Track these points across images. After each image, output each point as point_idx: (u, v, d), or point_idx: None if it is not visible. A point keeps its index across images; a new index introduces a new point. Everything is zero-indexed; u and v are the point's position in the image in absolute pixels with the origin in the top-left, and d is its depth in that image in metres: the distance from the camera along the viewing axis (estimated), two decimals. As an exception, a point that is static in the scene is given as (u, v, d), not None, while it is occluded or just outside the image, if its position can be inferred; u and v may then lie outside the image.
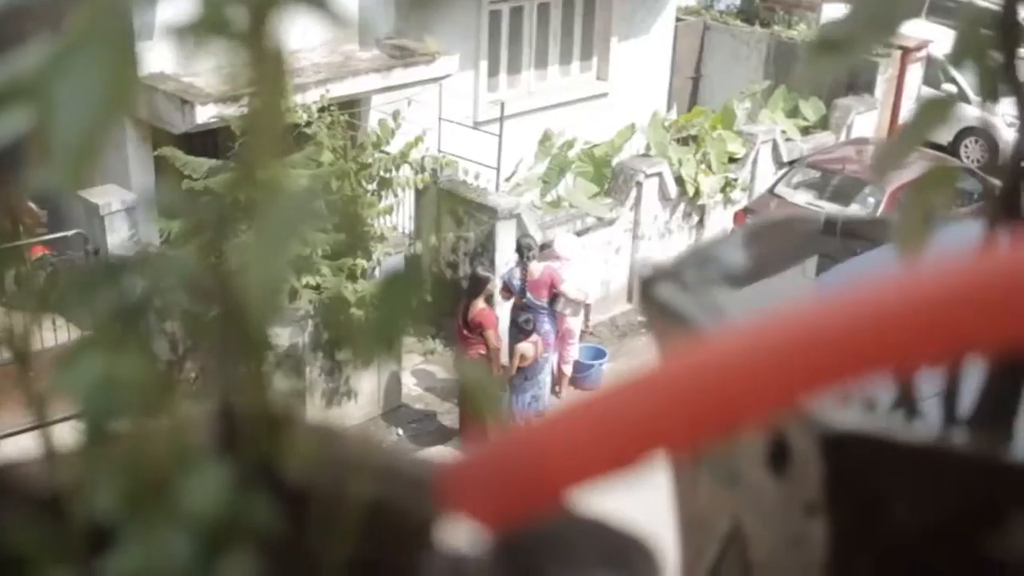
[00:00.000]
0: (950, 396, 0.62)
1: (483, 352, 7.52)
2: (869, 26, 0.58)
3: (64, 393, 0.38)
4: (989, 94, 0.62)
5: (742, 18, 13.66)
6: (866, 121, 11.96)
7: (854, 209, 9.42)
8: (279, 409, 0.38)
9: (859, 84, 12.25)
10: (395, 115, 8.18)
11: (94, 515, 0.31)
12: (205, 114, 7.38)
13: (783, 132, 11.25)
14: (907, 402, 0.62)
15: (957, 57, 0.60)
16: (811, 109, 11.95)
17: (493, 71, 10.42)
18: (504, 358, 7.79)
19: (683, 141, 10.59)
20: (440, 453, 7.12)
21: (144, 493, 0.30)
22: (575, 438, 0.37)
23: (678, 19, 12.34)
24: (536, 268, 8.03)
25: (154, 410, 0.33)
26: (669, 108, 11.98)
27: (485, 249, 8.72)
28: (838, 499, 0.57)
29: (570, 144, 10.36)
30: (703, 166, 10.31)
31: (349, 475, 0.41)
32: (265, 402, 0.37)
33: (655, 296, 0.66)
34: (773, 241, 0.79)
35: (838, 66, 0.60)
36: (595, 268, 9.34)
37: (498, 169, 9.42)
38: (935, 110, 0.60)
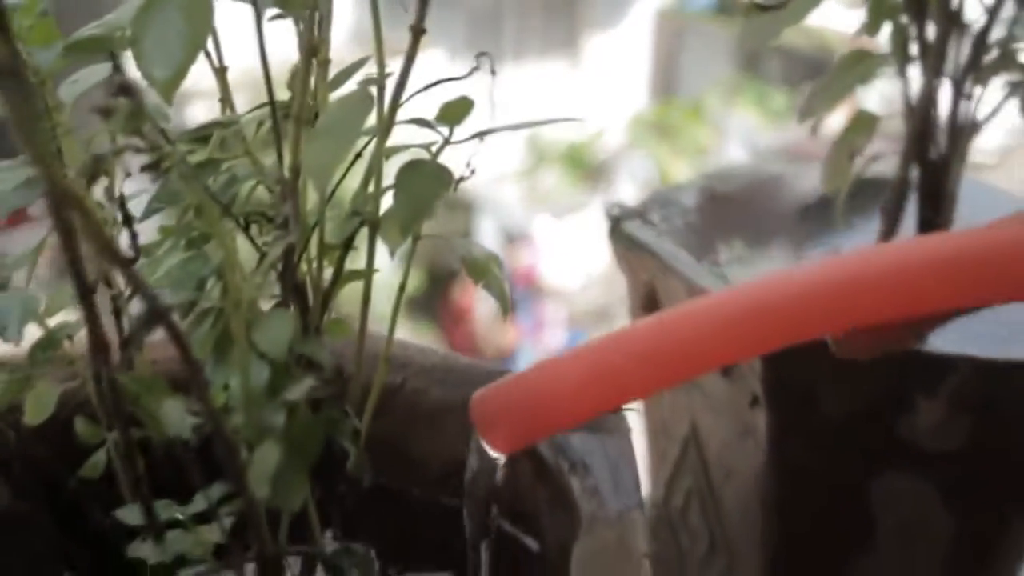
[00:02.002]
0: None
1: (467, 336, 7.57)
2: None
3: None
4: (901, 56, 0.70)
5: (719, 15, 13.73)
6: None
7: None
8: (326, 291, 0.48)
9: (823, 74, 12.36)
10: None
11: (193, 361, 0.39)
12: (195, 113, 7.39)
13: (753, 122, 11.34)
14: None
15: (871, 26, 0.67)
16: (779, 99, 12.05)
17: (474, 65, 10.44)
18: (487, 342, 7.84)
19: (658, 133, 10.68)
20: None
21: (229, 341, 0.40)
22: (586, 374, 0.42)
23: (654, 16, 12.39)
24: (516, 258, 8.10)
25: (230, 287, 0.42)
26: (646, 101, 12.05)
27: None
28: (775, 391, 0.63)
29: (550, 136, 10.41)
30: (678, 157, 10.41)
31: (383, 364, 0.49)
32: (315, 281, 0.47)
33: (622, 231, 0.75)
34: (731, 190, 0.86)
35: (779, 26, 0.66)
36: (574, 256, 9.41)
37: (480, 161, 9.45)
38: (856, 59, 0.68)
